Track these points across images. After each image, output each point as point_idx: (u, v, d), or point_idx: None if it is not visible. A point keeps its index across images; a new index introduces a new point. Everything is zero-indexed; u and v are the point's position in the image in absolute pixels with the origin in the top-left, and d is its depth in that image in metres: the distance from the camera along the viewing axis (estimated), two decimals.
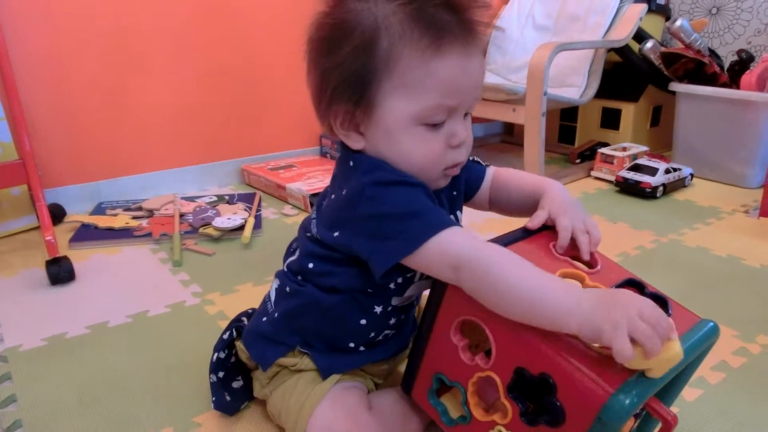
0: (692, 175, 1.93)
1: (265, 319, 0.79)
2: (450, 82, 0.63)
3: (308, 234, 0.75)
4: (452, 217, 0.77)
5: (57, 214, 1.58)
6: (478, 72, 0.66)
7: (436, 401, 0.75)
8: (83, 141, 1.67)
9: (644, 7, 2.03)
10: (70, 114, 1.63)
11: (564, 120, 2.37)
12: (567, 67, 2.05)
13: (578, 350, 0.59)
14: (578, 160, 2.15)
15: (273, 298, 0.80)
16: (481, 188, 0.84)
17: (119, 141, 1.72)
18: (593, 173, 2.01)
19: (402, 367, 0.83)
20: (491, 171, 0.85)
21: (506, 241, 0.74)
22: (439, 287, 0.69)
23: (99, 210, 1.63)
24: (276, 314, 0.78)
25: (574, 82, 2.05)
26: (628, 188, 1.82)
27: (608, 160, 1.96)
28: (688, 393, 0.90)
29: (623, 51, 2.04)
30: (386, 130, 0.65)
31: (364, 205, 0.64)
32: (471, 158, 0.82)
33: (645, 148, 2.03)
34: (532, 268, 0.60)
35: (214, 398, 0.82)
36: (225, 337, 0.82)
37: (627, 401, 0.55)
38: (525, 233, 0.76)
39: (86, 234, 1.47)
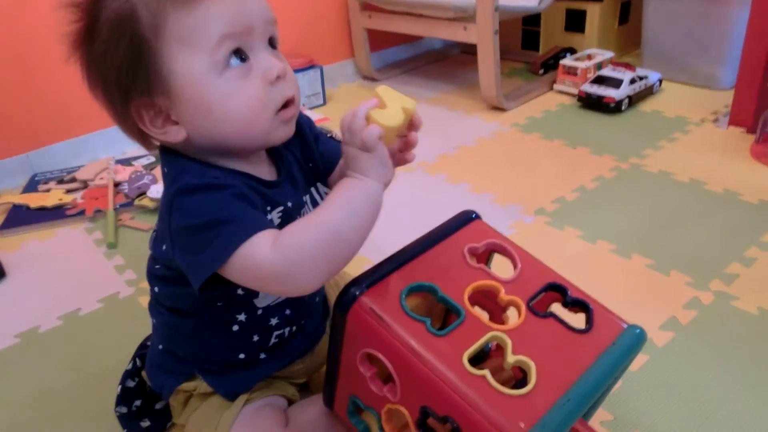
0: (661, 81, 1.81)
1: (156, 349, 0.76)
2: (223, 12, 0.56)
3: (150, 252, 0.70)
4: (312, 190, 0.72)
5: None
6: None
7: (357, 420, 0.71)
8: (4, 108, 1.54)
9: None
10: None
11: (527, 25, 2.20)
12: None
13: (484, 392, 0.55)
14: (541, 71, 2.02)
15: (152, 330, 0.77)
16: (338, 166, 0.75)
17: (42, 105, 1.59)
18: (556, 86, 1.89)
19: (320, 373, 0.80)
20: None
21: (416, 250, 0.67)
22: (338, 319, 0.63)
23: (32, 184, 1.54)
24: (159, 346, 0.75)
25: None
26: (591, 103, 1.72)
27: (571, 71, 1.84)
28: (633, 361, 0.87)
29: None
30: (194, 100, 0.58)
31: (174, 217, 0.59)
32: (328, 134, 0.77)
33: (610, 55, 1.90)
34: (318, 212, 0.58)
35: (126, 431, 0.79)
36: (129, 368, 0.80)
37: None
38: (436, 238, 0.69)
39: (17, 218, 1.39)
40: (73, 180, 1.53)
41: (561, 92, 1.88)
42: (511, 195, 1.33)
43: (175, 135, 0.61)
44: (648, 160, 1.44)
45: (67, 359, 0.98)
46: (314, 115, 1.74)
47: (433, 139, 1.64)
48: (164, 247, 0.64)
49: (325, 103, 1.96)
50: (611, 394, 0.68)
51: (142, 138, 0.64)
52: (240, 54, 0.58)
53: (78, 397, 0.90)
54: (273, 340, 0.73)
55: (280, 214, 0.65)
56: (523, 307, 0.63)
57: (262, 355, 0.74)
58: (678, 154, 1.45)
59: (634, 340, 0.62)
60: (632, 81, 1.70)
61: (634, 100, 1.72)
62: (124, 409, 0.78)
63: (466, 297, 0.63)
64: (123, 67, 0.57)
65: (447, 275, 0.65)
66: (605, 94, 1.67)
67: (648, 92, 1.77)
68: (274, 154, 0.69)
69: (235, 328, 0.69)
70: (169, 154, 0.64)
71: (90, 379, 0.93)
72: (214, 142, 0.62)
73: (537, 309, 0.64)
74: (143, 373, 0.80)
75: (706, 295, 0.99)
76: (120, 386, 0.79)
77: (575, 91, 1.79)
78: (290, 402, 0.78)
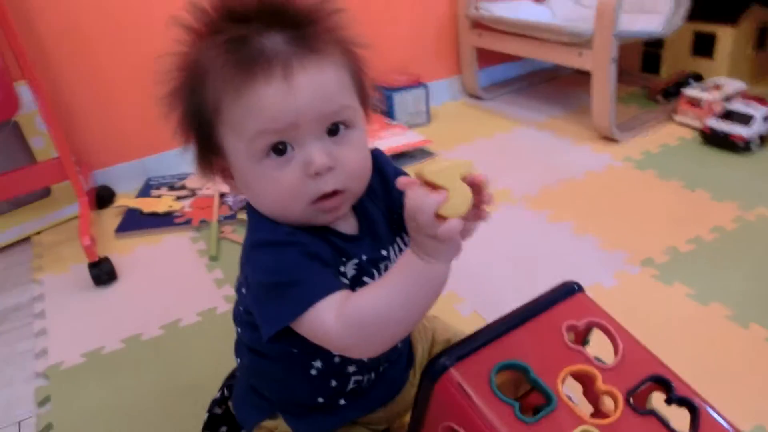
0: None
1: (242, 383, 0.79)
2: (265, 109, 0.56)
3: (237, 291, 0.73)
4: (398, 240, 0.71)
5: (106, 196, 1.61)
6: (310, 86, 0.56)
7: None
8: (123, 117, 1.66)
9: None
10: (105, 90, 1.61)
11: (648, 46, 2.06)
12: None
13: None
14: (661, 98, 1.88)
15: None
16: None
17: (159, 113, 1.68)
18: (677, 118, 1.75)
19: (406, 417, 0.79)
20: None
21: (512, 323, 0.64)
22: (426, 388, 0.61)
23: (146, 188, 1.65)
24: (245, 382, 0.78)
25: (657, 7, 1.74)
26: (716, 141, 1.58)
27: (694, 102, 1.70)
28: None
29: None
30: (239, 175, 0.62)
31: (248, 269, 0.63)
32: None
33: (741, 86, 1.73)
34: (382, 288, 0.57)
35: None
36: (217, 397, 0.83)
37: None
38: (534, 310, 0.66)
39: (131, 222, 1.49)
40: (183, 188, 1.62)
41: (682, 124, 1.74)
42: (617, 240, 1.25)
43: (233, 188, 0.65)
44: None
45: (163, 370, 1.04)
46: (416, 136, 1.73)
47: (538, 170, 1.57)
48: (243, 291, 0.67)
49: (428, 121, 1.94)
50: None
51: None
52: (280, 147, 0.57)
53: (169, 411, 0.95)
54: (351, 386, 0.73)
55: (356, 267, 0.65)
56: (621, 401, 0.58)
57: (342, 401, 0.74)
58: None
59: None
60: (766, 118, 1.55)
61: (766, 139, 1.56)
62: None
63: (560, 381, 0.59)
64: (194, 127, 0.62)
65: (541, 355, 0.61)
66: (733, 132, 1.53)
67: None
68: (358, 207, 0.69)
69: (313, 372, 0.70)
70: (251, 203, 0.66)
71: (180, 394, 0.98)
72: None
73: (636, 402, 0.59)
74: (230, 403, 0.82)
75: None
76: (207, 413, 0.82)
77: (698, 124, 1.66)
78: None
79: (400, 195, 0.72)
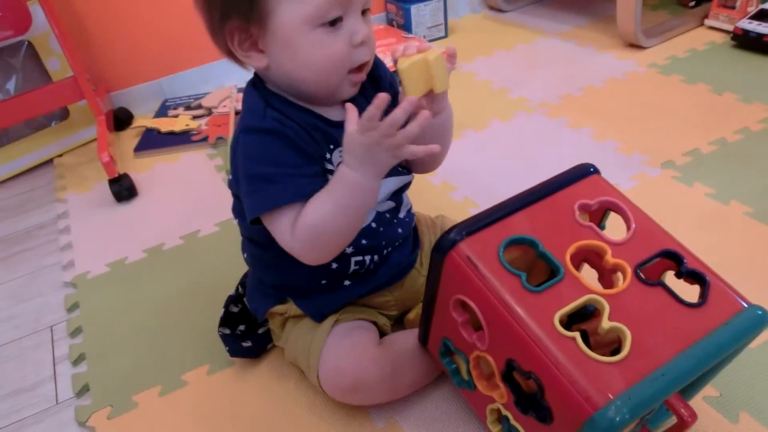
0: None
1: (252, 275, 0.83)
2: None
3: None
4: None
5: (124, 118, 1.61)
6: None
7: (448, 361, 0.72)
8: (140, 37, 1.63)
9: None
10: (120, 10, 1.58)
11: None
12: None
13: (571, 354, 0.52)
14: (692, 3, 1.79)
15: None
16: None
17: (175, 32, 1.66)
18: (707, 22, 1.67)
19: (415, 311, 0.82)
20: None
21: (524, 201, 0.64)
22: (436, 262, 0.62)
23: (163, 109, 1.65)
24: (253, 273, 0.82)
25: None
26: (748, 43, 1.50)
27: (728, 4, 1.61)
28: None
29: None
30: (284, 41, 0.62)
31: (237, 155, 0.66)
32: None
33: None
34: (319, 201, 0.63)
35: (228, 348, 0.84)
36: (233, 294, 0.85)
37: (617, 418, 0.49)
38: (547, 190, 0.65)
39: (149, 141, 1.50)
40: (199, 107, 1.62)
41: (713, 29, 1.66)
42: (637, 144, 1.22)
43: (257, 61, 0.65)
44: None
45: (185, 276, 1.07)
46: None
47: (558, 79, 1.52)
48: (231, 179, 0.70)
49: (446, 35, 1.88)
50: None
51: (228, 53, 0.66)
52: (337, 17, 0.61)
53: (192, 311, 0.98)
54: (354, 267, 0.75)
55: (341, 154, 0.66)
56: (629, 272, 0.58)
57: (347, 282, 0.77)
58: None
59: (752, 322, 0.55)
60: None
61: None
62: (227, 330, 0.84)
63: (568, 255, 0.59)
64: None
65: (552, 231, 0.61)
66: (767, 32, 1.45)
67: None
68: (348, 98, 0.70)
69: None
70: (248, 89, 0.68)
71: (201, 296, 1.01)
72: (289, 80, 0.65)
73: (646, 276, 0.59)
74: (245, 299, 0.84)
75: None
76: (223, 309, 0.84)
77: (731, 27, 1.57)
78: (381, 331, 0.80)
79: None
